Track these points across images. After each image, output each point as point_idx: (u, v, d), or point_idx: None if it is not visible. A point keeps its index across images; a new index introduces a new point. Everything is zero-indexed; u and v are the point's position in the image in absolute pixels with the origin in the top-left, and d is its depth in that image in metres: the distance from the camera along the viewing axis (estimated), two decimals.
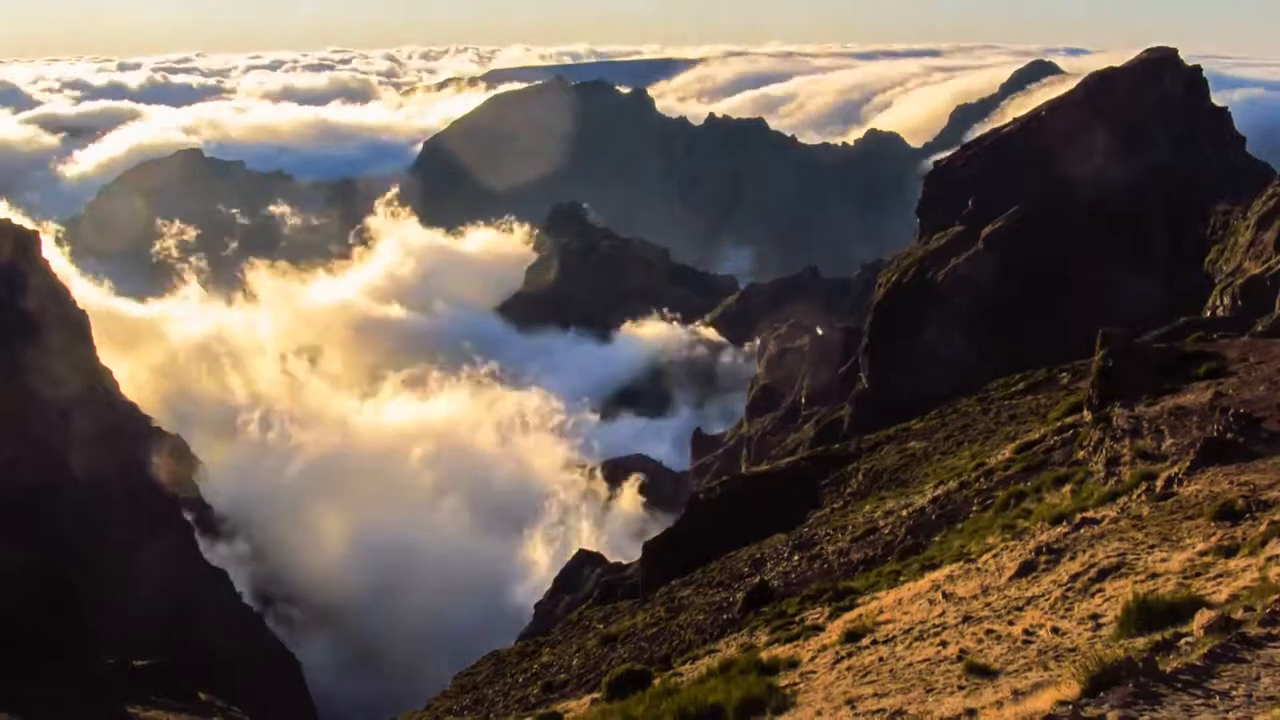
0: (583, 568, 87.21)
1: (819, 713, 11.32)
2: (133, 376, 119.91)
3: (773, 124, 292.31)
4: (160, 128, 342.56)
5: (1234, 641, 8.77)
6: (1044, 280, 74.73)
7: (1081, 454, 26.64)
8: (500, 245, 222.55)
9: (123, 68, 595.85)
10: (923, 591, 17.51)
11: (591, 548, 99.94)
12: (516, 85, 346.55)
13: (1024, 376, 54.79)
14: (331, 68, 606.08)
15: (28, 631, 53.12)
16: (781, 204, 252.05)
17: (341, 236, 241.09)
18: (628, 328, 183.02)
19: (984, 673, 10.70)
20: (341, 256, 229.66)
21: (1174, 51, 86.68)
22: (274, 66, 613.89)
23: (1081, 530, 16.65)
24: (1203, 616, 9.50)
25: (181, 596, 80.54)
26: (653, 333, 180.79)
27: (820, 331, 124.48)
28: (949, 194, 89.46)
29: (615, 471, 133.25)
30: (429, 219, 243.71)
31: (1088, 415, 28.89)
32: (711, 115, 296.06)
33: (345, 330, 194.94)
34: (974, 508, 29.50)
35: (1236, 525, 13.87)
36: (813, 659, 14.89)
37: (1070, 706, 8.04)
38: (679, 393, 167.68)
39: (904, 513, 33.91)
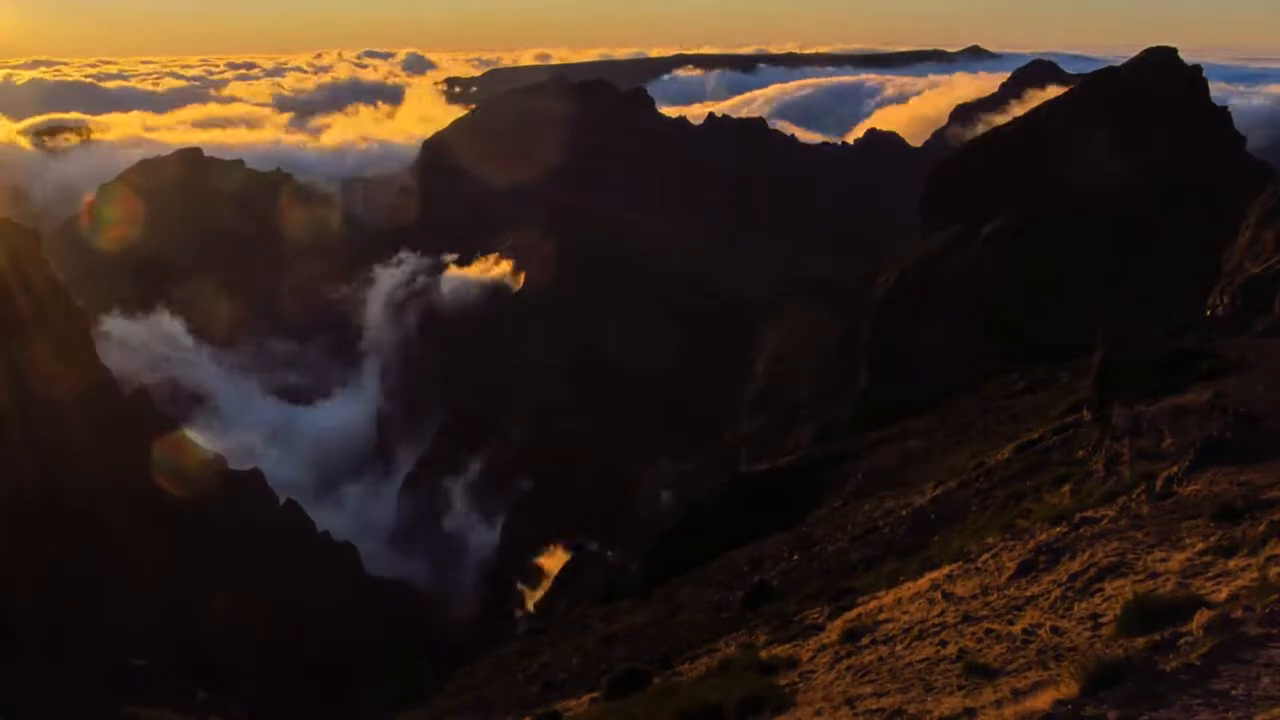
0: (583, 568, 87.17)
1: (818, 712, 11.31)
2: None
3: (772, 124, 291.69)
4: (159, 127, 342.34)
5: (1234, 641, 8.77)
6: (1044, 280, 74.73)
7: (1081, 453, 26.67)
8: None
9: (122, 67, 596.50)
10: (922, 591, 17.50)
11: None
12: (516, 85, 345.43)
13: (1024, 376, 54.93)
14: (331, 68, 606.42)
15: (28, 631, 53.17)
16: (781, 204, 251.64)
17: (342, 235, 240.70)
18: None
19: (983, 672, 10.69)
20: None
21: (1174, 51, 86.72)
22: (275, 68, 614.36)
23: (1081, 530, 16.63)
24: (1202, 616, 9.48)
25: (181, 596, 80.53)
26: None
27: (820, 332, 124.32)
28: (949, 194, 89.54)
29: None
30: (429, 219, 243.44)
31: (1087, 415, 28.93)
32: (711, 115, 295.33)
33: None
34: (973, 507, 29.54)
35: (1236, 525, 13.84)
36: (812, 658, 14.89)
37: (1070, 706, 8.04)
38: None
39: (903, 512, 33.97)
